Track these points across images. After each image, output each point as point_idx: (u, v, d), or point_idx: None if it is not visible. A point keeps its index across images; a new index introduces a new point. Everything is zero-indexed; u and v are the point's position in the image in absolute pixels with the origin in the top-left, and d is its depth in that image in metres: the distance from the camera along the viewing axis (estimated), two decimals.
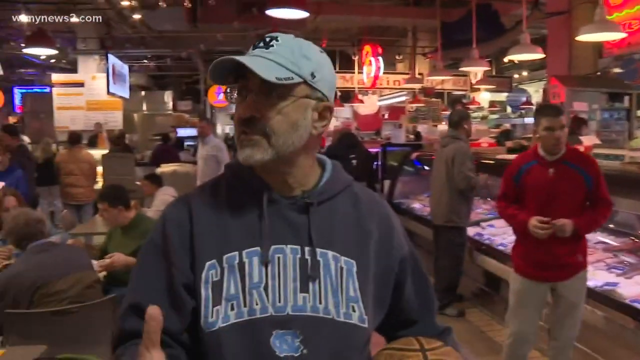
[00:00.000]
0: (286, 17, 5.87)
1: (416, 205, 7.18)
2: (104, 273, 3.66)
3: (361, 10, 10.27)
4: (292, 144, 1.13)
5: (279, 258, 1.13)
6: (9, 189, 4.51)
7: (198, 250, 1.14)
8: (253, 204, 1.17)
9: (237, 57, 1.09)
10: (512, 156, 6.04)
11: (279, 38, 1.13)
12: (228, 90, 1.19)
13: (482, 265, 5.15)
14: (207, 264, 1.12)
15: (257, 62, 1.09)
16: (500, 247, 4.99)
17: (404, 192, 7.77)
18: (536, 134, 3.20)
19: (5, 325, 2.82)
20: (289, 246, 1.14)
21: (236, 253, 1.13)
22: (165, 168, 8.52)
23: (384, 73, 12.27)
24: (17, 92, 16.23)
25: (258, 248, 1.13)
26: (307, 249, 1.14)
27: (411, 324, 1.31)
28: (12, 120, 16.04)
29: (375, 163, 8.57)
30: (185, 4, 8.92)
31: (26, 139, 11.14)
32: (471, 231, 5.50)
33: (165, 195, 5.76)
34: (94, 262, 3.57)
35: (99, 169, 8.21)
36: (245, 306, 1.09)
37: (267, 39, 1.13)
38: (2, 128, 7.95)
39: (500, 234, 5.28)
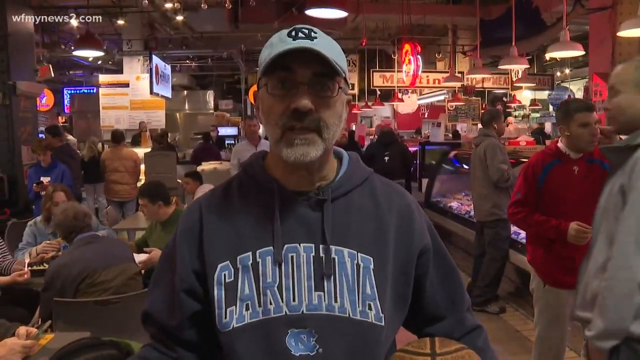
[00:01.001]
0: (326, 17, 5.94)
1: (454, 204, 7.15)
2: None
3: (400, 8, 10.25)
4: (335, 137, 1.13)
5: (292, 257, 1.11)
6: (59, 184, 4.73)
7: (208, 254, 1.13)
8: (265, 203, 1.15)
9: (310, 46, 1.06)
10: None
11: (315, 30, 1.10)
12: (265, 83, 1.12)
13: (518, 264, 5.12)
14: (220, 265, 1.12)
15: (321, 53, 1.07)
16: None
17: (442, 191, 7.75)
18: (565, 131, 3.00)
19: (54, 312, 2.97)
20: (302, 245, 1.12)
21: (249, 253, 1.12)
22: (206, 166, 8.70)
23: (423, 71, 12.22)
24: (67, 93, 16.74)
25: (271, 247, 1.11)
26: (321, 246, 1.12)
27: (437, 320, 1.27)
28: (61, 120, 16.61)
29: (414, 161, 8.57)
30: (226, 5, 9.08)
31: (71, 138, 11.55)
32: None
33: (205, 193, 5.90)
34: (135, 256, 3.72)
35: (142, 167, 8.45)
36: (259, 306, 1.09)
37: (306, 31, 1.09)
38: (46, 129, 8.31)
39: None
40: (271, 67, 1.08)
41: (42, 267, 3.75)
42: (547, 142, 7.97)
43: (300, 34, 1.08)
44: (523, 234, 5.31)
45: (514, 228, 5.53)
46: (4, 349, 2.25)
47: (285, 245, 1.11)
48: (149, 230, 4.55)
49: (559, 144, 3.08)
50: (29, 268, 3.74)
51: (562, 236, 2.90)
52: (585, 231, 2.80)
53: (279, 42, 1.09)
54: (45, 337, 2.48)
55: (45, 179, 5.80)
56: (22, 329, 2.39)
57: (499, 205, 5.03)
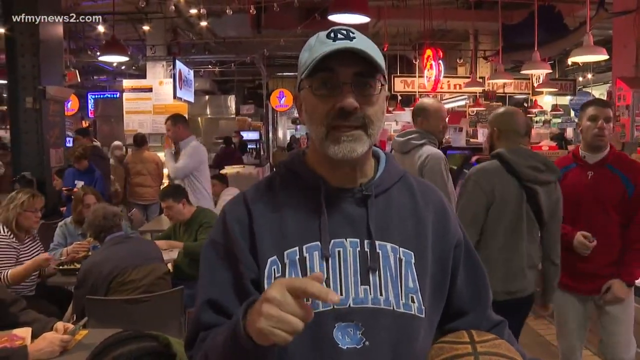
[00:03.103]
0: (348, 22, 5.99)
1: None
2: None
3: (421, 14, 10.26)
4: (379, 132, 1.15)
5: (339, 252, 1.13)
6: (89, 187, 4.85)
7: (259, 247, 1.14)
8: (310, 198, 1.17)
9: (351, 46, 1.08)
10: None
11: (352, 31, 1.13)
12: (309, 84, 1.13)
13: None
14: (269, 260, 1.13)
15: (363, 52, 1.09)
16: None
17: None
18: (580, 128, 2.98)
19: (86, 309, 3.06)
20: (348, 240, 1.14)
21: (296, 248, 1.13)
22: (228, 170, 8.81)
23: (444, 77, 12.20)
24: (91, 98, 16.97)
25: (318, 243, 1.13)
26: (366, 241, 1.14)
27: (462, 316, 1.28)
28: (84, 124, 16.86)
29: None
30: (250, 10, 9.18)
31: (96, 142, 11.72)
32: None
33: (230, 196, 5.97)
34: None
35: (165, 171, 8.57)
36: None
37: (345, 32, 1.12)
38: (76, 131, 8.50)
39: None
40: (314, 69, 1.11)
41: (72, 267, 3.86)
42: (570, 147, 7.94)
43: (339, 35, 1.11)
44: None
45: None
46: (44, 342, 2.34)
47: (332, 240, 1.14)
48: (171, 232, 4.63)
49: (580, 148, 3.04)
50: (61, 267, 3.87)
51: (569, 245, 2.89)
52: (587, 245, 2.85)
53: (320, 44, 1.12)
54: (80, 332, 2.57)
55: (79, 183, 5.96)
56: (60, 324, 2.49)
57: None
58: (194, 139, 5.75)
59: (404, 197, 1.23)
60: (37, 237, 4.06)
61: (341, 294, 1.11)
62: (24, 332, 2.49)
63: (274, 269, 1.13)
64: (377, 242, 1.15)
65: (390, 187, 1.22)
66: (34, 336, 2.45)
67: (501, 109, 3.07)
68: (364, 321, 1.10)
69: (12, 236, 3.76)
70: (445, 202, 1.29)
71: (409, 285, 1.15)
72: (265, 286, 1.12)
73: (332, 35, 1.12)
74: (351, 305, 1.11)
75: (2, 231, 3.73)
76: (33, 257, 3.87)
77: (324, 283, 1.09)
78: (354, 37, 1.12)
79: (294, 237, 1.15)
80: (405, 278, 1.15)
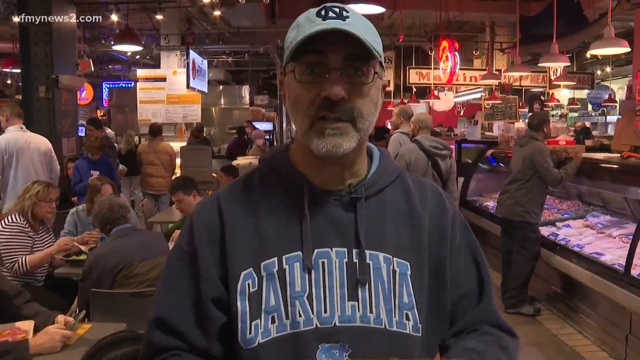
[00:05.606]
0: (363, 13, 5.91)
1: (490, 203, 7.04)
2: None
3: (437, 5, 10.12)
4: (370, 127, 1.02)
5: (323, 263, 1.00)
6: (106, 178, 4.82)
7: (231, 259, 1.01)
8: (292, 202, 1.04)
9: (342, 27, 0.95)
10: (595, 155, 5.82)
11: (346, 9, 0.99)
12: (292, 69, 1.00)
13: (556, 267, 5.01)
14: (243, 273, 1.00)
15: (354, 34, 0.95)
16: (576, 248, 4.83)
17: (478, 190, 7.64)
18: None
19: (91, 302, 3.03)
20: (334, 249, 1.01)
21: (275, 259, 1.00)
22: (240, 161, 8.77)
23: (460, 69, 12.04)
24: (105, 87, 17.02)
25: (299, 253, 1.00)
26: (354, 251, 1.01)
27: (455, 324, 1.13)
28: (99, 113, 16.94)
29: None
30: (264, 0, 9.11)
31: (110, 131, 11.76)
32: (546, 231, 5.36)
33: None
34: None
35: (178, 161, 8.56)
36: (287, 318, 0.98)
37: (337, 9, 0.98)
38: (88, 122, 8.54)
39: (576, 235, 5.12)
40: (299, 51, 0.98)
41: (81, 257, 3.84)
42: (587, 142, 7.76)
43: (330, 13, 0.98)
44: (562, 235, 5.21)
45: (551, 229, 5.43)
46: (46, 337, 2.31)
47: (316, 250, 1.01)
48: (181, 224, 4.60)
49: None
50: (69, 258, 3.85)
51: None
52: None
53: (307, 23, 0.98)
54: (82, 326, 2.53)
55: (95, 173, 5.98)
56: (61, 317, 2.46)
57: (528, 211, 5.03)
58: (9, 130, 5.54)
59: (400, 200, 1.09)
60: (50, 230, 4.08)
61: (325, 312, 0.98)
62: (27, 325, 2.46)
63: (249, 284, 1.00)
64: (367, 252, 1.02)
65: (384, 188, 1.09)
66: (37, 329, 2.42)
67: (420, 113, 5.19)
68: (351, 342, 0.98)
69: (27, 225, 3.80)
70: (445, 202, 1.14)
71: (403, 301, 1.02)
72: (239, 303, 1.00)
73: (322, 12, 0.98)
74: (337, 324, 0.98)
75: (18, 219, 3.78)
76: (46, 248, 3.87)
77: (305, 299, 0.99)
78: (347, 17, 0.98)
79: (273, 245, 1.02)
80: (400, 292, 1.02)
